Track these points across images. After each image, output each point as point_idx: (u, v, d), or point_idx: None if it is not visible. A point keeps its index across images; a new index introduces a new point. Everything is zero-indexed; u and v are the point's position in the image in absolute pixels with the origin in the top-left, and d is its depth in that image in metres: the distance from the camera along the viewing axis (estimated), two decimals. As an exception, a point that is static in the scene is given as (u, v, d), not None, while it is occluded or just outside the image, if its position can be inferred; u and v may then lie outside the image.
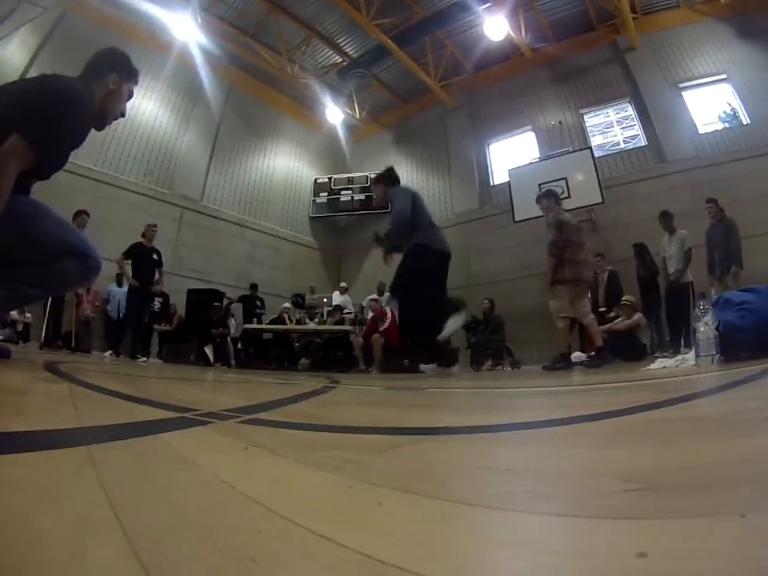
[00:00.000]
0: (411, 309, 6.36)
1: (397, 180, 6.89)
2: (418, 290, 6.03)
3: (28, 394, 2.03)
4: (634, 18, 13.95)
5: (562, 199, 13.15)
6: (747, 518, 0.51)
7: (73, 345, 9.86)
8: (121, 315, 10.66)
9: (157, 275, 10.06)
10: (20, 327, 10.75)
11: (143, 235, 10.06)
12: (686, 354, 5.34)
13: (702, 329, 4.25)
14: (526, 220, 13.11)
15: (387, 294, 13.06)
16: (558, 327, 7.39)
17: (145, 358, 10.01)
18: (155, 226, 10.26)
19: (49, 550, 0.49)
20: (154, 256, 9.98)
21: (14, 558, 0.47)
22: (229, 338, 12.42)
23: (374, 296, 12.60)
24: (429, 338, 6.14)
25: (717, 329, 4.20)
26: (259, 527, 0.55)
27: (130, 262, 9.79)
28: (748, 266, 9.02)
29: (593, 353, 9.34)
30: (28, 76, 12.29)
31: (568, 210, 13.07)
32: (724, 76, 13.41)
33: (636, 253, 10.80)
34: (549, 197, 7.97)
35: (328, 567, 0.45)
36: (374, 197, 7.19)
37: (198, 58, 15.34)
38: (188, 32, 14.33)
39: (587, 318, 7.48)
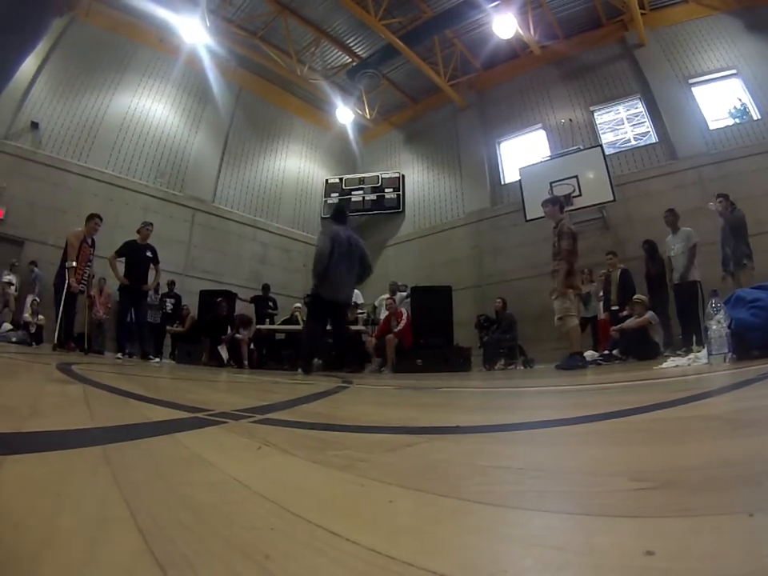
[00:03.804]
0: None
1: (342, 218, 8.17)
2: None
3: (42, 394, 2.05)
4: (642, 14, 13.86)
5: (574, 197, 13.16)
6: (755, 517, 0.51)
7: (86, 346, 9.87)
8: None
9: (153, 272, 10.07)
10: (33, 329, 10.82)
11: (138, 232, 10.05)
12: (699, 352, 5.31)
13: (714, 327, 4.22)
14: (538, 219, 13.01)
15: (401, 293, 13.05)
16: (569, 326, 7.40)
17: (158, 359, 10.04)
18: (151, 224, 10.21)
19: (65, 546, 0.50)
20: (148, 253, 9.95)
21: (32, 554, 0.48)
22: (240, 338, 12.35)
23: (388, 296, 12.56)
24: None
25: (729, 327, 4.17)
26: (272, 525, 0.56)
27: (123, 260, 9.80)
28: (761, 263, 8.93)
29: (605, 351, 9.35)
30: (38, 81, 12.43)
31: (580, 208, 13.11)
32: (734, 71, 13.30)
33: (646, 250, 10.71)
34: (554, 203, 8.04)
35: (339, 563, 0.46)
36: None
37: (207, 61, 15.36)
38: (197, 35, 14.35)
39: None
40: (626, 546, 0.47)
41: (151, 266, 10.02)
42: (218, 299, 12.55)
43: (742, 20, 13.24)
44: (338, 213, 8.33)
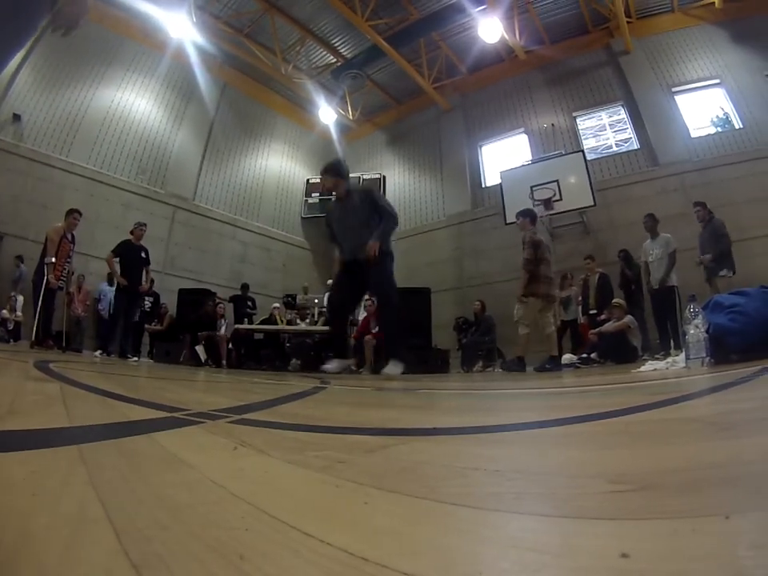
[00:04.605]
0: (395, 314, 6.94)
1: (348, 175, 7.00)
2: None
3: (19, 393, 2.03)
4: (628, 22, 14.00)
5: (555, 201, 13.23)
6: (731, 519, 0.52)
7: (64, 344, 9.79)
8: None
9: (144, 274, 10.01)
10: (11, 326, 10.70)
11: (132, 233, 9.99)
12: (677, 356, 5.36)
13: (691, 331, 4.26)
14: (517, 222, 13.10)
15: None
16: (520, 333, 7.94)
17: (136, 358, 9.96)
18: (144, 225, 10.18)
19: (41, 547, 0.49)
20: (142, 254, 9.92)
21: (6, 555, 0.47)
22: (218, 337, 12.27)
23: (366, 297, 12.50)
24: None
25: (707, 331, 4.21)
26: (247, 525, 0.56)
27: (118, 260, 9.74)
28: (741, 269, 9.05)
29: (584, 354, 9.43)
30: (22, 73, 12.29)
31: (560, 212, 13.19)
32: (717, 80, 13.47)
33: (622, 258, 10.95)
34: (525, 216, 8.43)
35: (314, 564, 0.45)
36: (325, 185, 7.24)
37: (193, 57, 15.32)
38: (183, 31, 14.30)
39: (549, 329, 7.94)
40: (603, 548, 0.47)
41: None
42: (206, 299, 12.52)
43: (727, 31, 13.43)
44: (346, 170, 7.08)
